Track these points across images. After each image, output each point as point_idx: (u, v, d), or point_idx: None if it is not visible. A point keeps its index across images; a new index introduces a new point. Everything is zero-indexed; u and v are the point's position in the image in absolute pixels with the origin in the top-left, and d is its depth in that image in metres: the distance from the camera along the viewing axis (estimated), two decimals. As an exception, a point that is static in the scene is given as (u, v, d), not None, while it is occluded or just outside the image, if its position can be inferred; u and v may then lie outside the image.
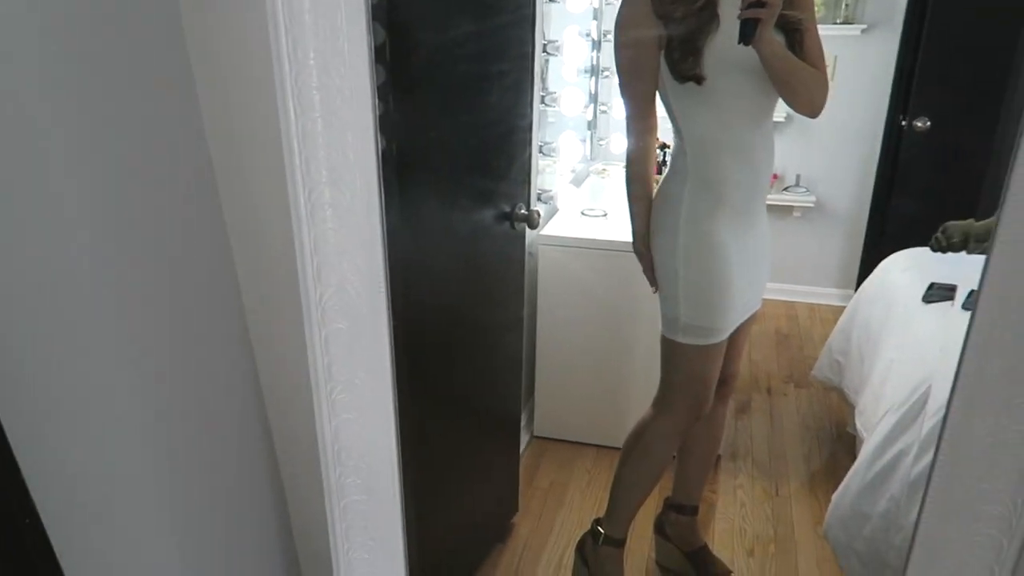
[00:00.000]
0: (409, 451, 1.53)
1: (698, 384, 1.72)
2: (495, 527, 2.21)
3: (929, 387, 1.72)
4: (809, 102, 1.54)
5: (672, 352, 1.71)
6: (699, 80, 1.50)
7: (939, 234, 0.93)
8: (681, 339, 1.68)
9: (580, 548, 2.03)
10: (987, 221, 0.87)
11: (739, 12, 1.37)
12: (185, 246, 1.08)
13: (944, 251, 0.94)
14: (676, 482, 2.08)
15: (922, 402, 1.71)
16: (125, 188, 0.98)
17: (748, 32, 1.38)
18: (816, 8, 1.58)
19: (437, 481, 1.71)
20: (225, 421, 1.20)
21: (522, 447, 2.66)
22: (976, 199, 3.60)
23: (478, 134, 1.58)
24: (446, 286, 1.54)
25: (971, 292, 2.09)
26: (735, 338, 1.78)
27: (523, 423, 2.68)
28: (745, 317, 1.75)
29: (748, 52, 1.45)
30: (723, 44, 1.47)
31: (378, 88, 0.86)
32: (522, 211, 1.89)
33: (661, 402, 1.77)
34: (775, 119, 1.61)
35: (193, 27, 1.04)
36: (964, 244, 0.89)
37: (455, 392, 1.74)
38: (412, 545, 1.14)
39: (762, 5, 1.35)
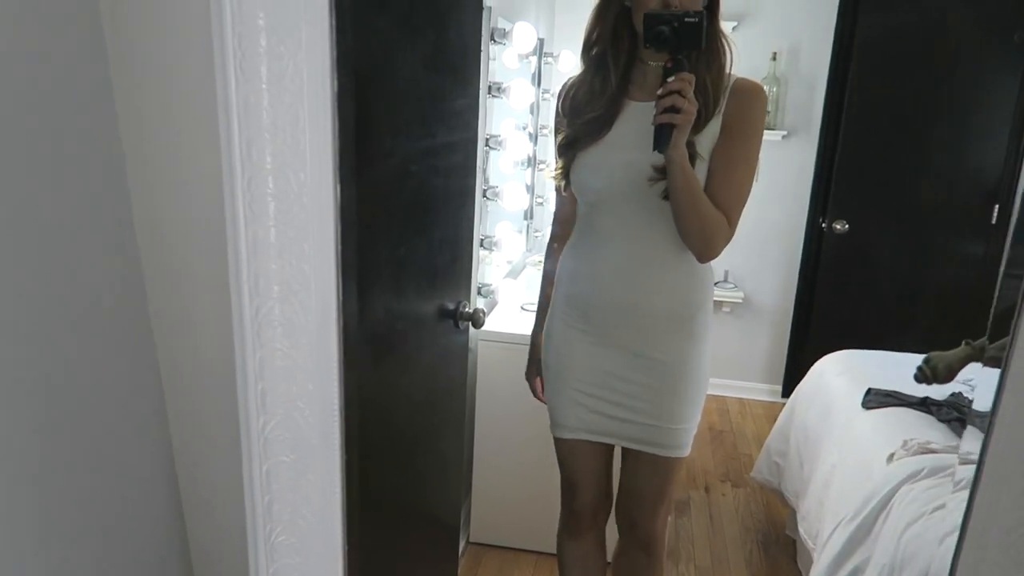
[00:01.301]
0: (366, 558, 1.38)
1: (566, 479, 1.73)
2: (428, 650, 2.03)
3: (881, 499, 1.69)
4: (701, 242, 1.41)
5: None
6: (563, 186, 1.55)
7: (923, 365, 0.91)
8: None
9: None
10: (962, 351, 0.86)
11: (653, 118, 1.30)
12: (105, 359, 0.95)
13: (930, 382, 0.92)
14: None
15: (875, 515, 1.68)
16: (38, 282, 0.85)
17: (663, 140, 1.29)
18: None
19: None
20: (141, 564, 1.04)
21: (458, 554, 2.50)
22: (895, 301, 3.73)
23: (429, 235, 1.51)
24: (393, 393, 1.43)
25: (925, 398, 2.11)
26: (635, 481, 1.67)
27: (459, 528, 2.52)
28: (622, 443, 1.61)
29: (633, 175, 1.40)
30: (603, 153, 1.45)
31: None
32: (467, 309, 1.81)
33: None
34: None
35: (129, 111, 0.94)
36: (950, 375, 0.87)
37: (396, 502, 1.60)
38: None
39: (677, 111, 1.26)
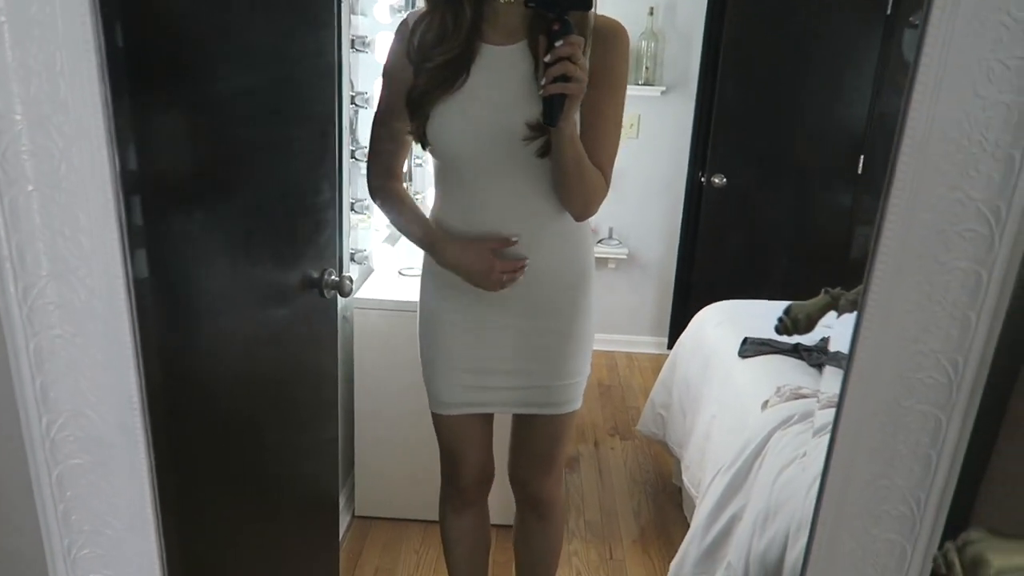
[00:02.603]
0: (202, 560, 1.27)
1: (448, 455, 1.65)
2: (311, 633, 1.95)
3: (755, 447, 1.72)
4: (583, 205, 1.36)
5: None
6: (421, 143, 1.38)
7: (784, 316, 0.89)
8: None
9: None
10: (821, 299, 0.84)
11: (540, 88, 1.18)
12: None
13: (791, 334, 0.90)
14: None
15: (750, 463, 1.71)
16: None
17: (555, 112, 1.18)
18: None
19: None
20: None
21: (343, 529, 2.41)
22: (773, 252, 3.86)
23: (275, 195, 1.38)
24: (242, 365, 1.32)
25: (796, 345, 2.16)
26: (528, 443, 1.62)
27: (343, 503, 2.43)
28: (509, 409, 1.57)
29: (504, 135, 1.29)
30: (463, 107, 1.30)
31: (126, 143, 0.67)
32: (332, 277, 1.70)
33: None
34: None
35: None
36: (810, 325, 0.86)
37: (259, 481, 1.49)
38: None
39: (567, 79, 1.15)
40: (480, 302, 1.44)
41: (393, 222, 1.59)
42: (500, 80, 1.30)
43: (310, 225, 1.62)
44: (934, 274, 0.59)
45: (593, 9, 1.28)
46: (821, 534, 0.69)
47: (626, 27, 1.36)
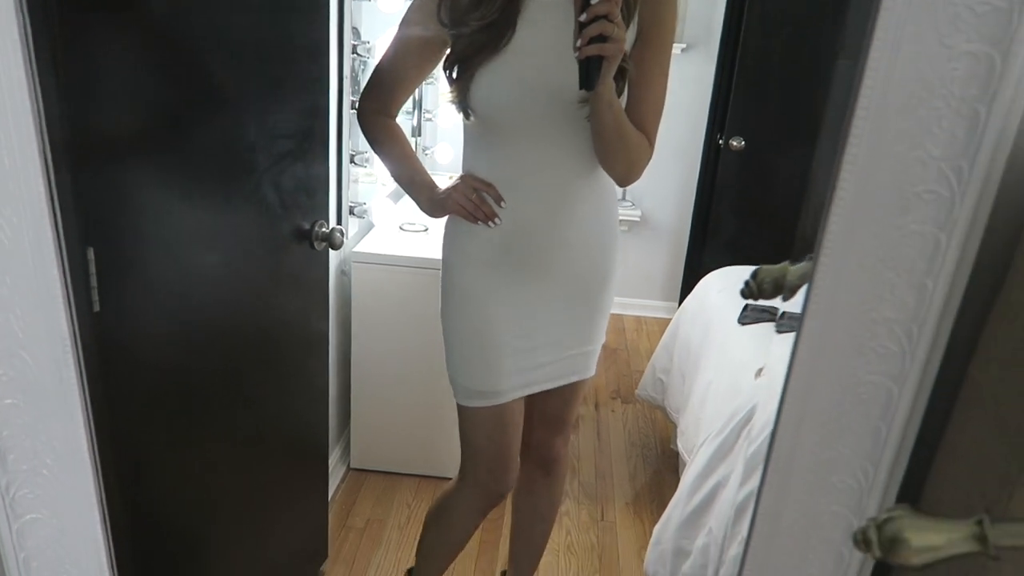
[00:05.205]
0: (185, 506, 1.29)
1: (486, 451, 1.49)
2: (299, 580, 1.98)
3: (744, 415, 1.69)
4: (626, 170, 1.31)
5: (458, 415, 1.49)
6: (464, 112, 1.31)
7: (750, 280, 0.84)
8: (458, 400, 1.47)
9: None
10: (800, 267, 0.79)
11: (576, 49, 1.10)
12: None
13: (756, 298, 0.85)
14: (510, 557, 1.89)
15: (738, 430, 1.68)
16: None
17: (591, 75, 1.10)
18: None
19: (225, 536, 1.47)
20: None
21: (337, 481, 2.44)
22: (789, 218, 3.77)
23: (258, 142, 1.36)
24: (225, 314, 1.32)
25: (783, 314, 2.12)
26: (544, 406, 1.56)
27: (338, 455, 2.46)
28: (547, 385, 1.48)
29: (557, 97, 1.21)
30: (512, 66, 1.23)
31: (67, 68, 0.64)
32: (323, 229, 1.69)
33: (460, 470, 1.55)
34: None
35: None
36: (777, 291, 0.81)
37: (244, 430, 1.50)
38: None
39: (604, 39, 1.07)
40: (524, 275, 1.38)
41: (377, 151, 1.51)
42: (550, 36, 1.21)
43: (300, 175, 1.60)
44: (890, 238, 0.56)
45: None
46: (767, 500, 0.66)
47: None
